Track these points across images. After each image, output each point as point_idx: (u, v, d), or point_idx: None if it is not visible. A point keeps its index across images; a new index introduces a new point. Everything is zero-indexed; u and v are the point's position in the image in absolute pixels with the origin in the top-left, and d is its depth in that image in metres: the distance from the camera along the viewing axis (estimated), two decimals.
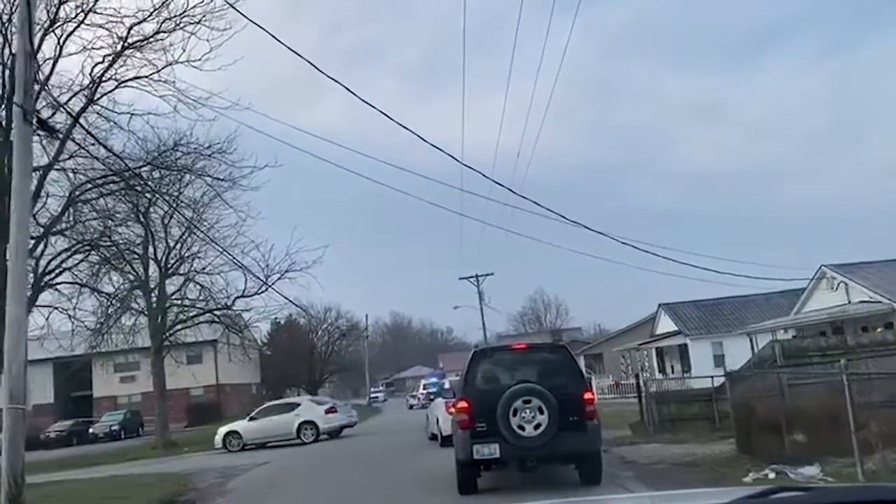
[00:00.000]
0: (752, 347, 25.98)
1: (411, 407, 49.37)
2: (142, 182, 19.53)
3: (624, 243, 17.37)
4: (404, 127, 13.42)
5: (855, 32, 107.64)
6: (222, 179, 22.77)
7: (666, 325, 41.37)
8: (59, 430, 46.39)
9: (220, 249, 27.81)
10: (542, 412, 9.68)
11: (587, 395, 10.28)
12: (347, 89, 12.53)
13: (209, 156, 21.19)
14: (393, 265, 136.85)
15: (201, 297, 31.78)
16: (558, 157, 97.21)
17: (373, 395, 73.89)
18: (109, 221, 23.83)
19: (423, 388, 49.67)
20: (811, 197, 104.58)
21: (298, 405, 26.35)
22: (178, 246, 31.97)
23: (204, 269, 31.81)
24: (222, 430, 26.42)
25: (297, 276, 29.86)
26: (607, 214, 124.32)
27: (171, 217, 29.73)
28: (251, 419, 25.92)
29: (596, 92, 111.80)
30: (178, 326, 31.23)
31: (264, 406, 27.78)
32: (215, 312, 31.18)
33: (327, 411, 25.63)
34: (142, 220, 29.95)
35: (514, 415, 9.71)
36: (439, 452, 15.80)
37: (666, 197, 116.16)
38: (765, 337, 33.16)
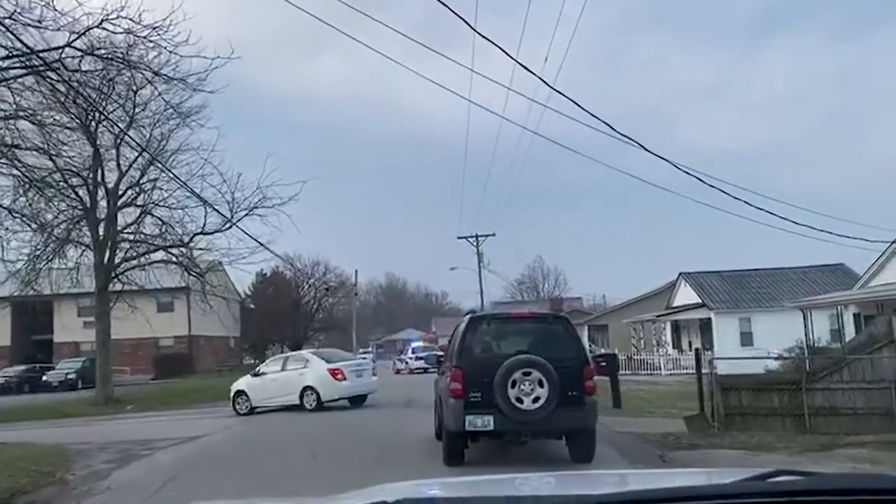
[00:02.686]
0: (807, 324, 21.63)
1: (398, 372, 44.98)
2: (45, 64, 14.80)
3: (687, 173, 12.92)
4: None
5: None
6: (166, 76, 18.05)
7: (686, 296, 37.07)
8: (9, 375, 42.34)
9: (171, 174, 23.27)
10: (541, 385, 9.18)
11: (587, 370, 9.66)
12: None
13: (143, 38, 16.43)
14: (390, 226, 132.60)
15: (161, 233, 27.31)
16: (563, 130, 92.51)
17: (360, 357, 69.70)
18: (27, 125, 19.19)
19: (413, 353, 45.18)
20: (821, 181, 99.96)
21: None
22: (138, 173, 27.41)
23: (164, 200, 27.33)
24: None
25: (267, 214, 25.36)
26: (616, 186, 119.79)
27: (122, 139, 25.16)
28: None
29: (601, 65, 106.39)
30: (127, 265, 26.75)
31: None
32: (170, 251, 26.69)
33: None
34: (90, 136, 25.45)
35: (513, 386, 9.19)
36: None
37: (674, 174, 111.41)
38: (821, 313, 28.89)
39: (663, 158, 12.36)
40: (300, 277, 63.61)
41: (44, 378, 42.02)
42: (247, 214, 25.13)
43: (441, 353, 13.03)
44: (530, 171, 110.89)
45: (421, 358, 43.23)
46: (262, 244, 25.18)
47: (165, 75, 17.82)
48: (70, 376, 41.85)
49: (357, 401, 19.75)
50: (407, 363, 44.08)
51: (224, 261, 27.83)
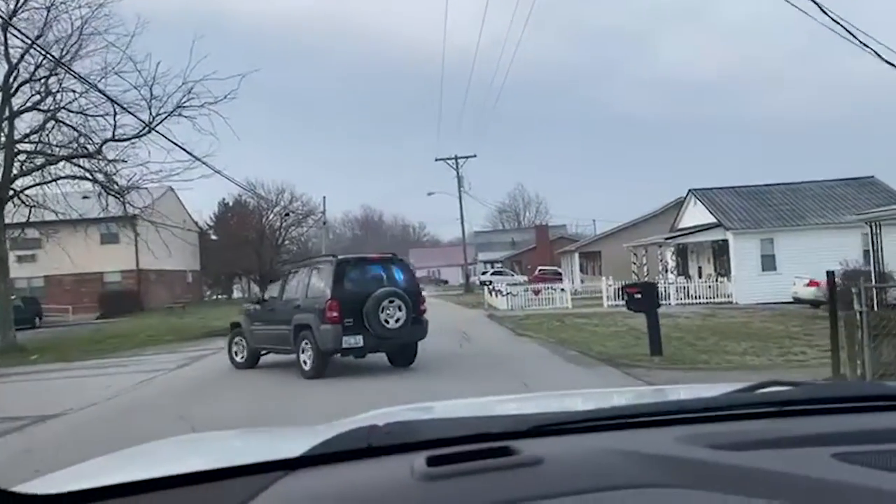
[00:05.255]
0: (873, 242, 17.22)
1: None
2: None
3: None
4: None
5: None
6: None
7: (695, 216, 32.62)
8: None
9: (66, 69, 17.92)
10: (400, 310, 12.07)
11: (420, 298, 12.92)
12: None
13: None
14: (365, 155, 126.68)
15: (70, 142, 22.06)
16: (540, 60, 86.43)
17: None
18: None
19: None
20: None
21: None
22: (41, 71, 21.92)
23: (77, 101, 21.98)
24: None
25: (197, 115, 20.21)
26: (596, 121, 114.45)
27: (6, 24, 19.68)
28: None
29: None
30: (25, 181, 21.56)
31: None
32: (77, 162, 21.46)
33: None
34: None
35: (382, 311, 11.96)
36: None
37: (651, 104, 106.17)
38: (853, 231, 25.06)
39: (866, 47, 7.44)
40: (264, 206, 58.25)
41: None
42: (169, 115, 19.94)
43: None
44: (510, 97, 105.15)
45: None
46: (190, 153, 20.13)
47: None
48: None
49: None
50: None
51: (152, 178, 22.56)
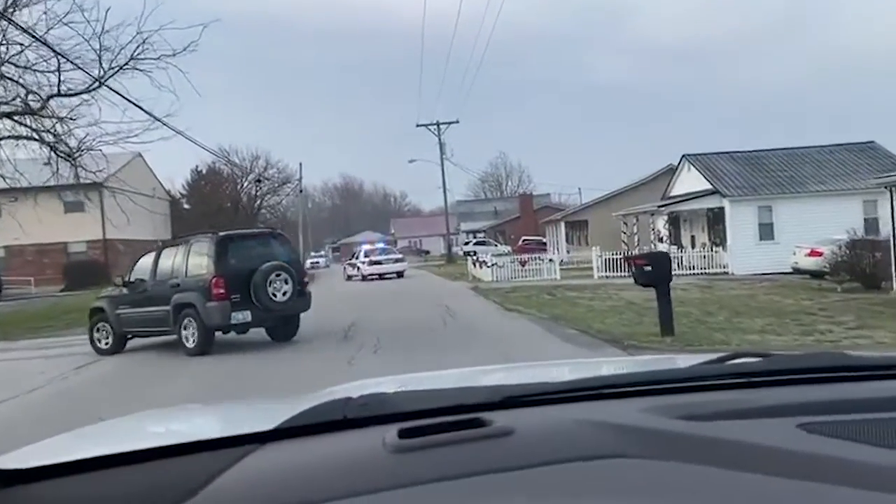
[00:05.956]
0: (893, 208, 15.82)
1: (349, 278, 38.69)
2: None
3: None
4: None
5: None
6: None
7: (688, 183, 31.15)
8: None
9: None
10: (287, 283, 12.33)
11: (302, 272, 13.60)
12: None
13: None
14: (345, 123, 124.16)
15: (12, 100, 20.05)
16: (523, 26, 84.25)
17: (312, 260, 63.14)
18: None
19: (365, 256, 38.60)
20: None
21: None
22: None
23: (21, 53, 19.93)
24: None
25: (152, 69, 18.27)
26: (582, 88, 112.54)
27: None
28: None
29: None
30: None
31: None
32: (18, 120, 19.46)
33: None
34: None
35: (270, 285, 12.17)
36: None
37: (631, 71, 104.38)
38: (854, 198, 24.14)
39: None
40: (238, 173, 56.10)
41: None
42: (122, 68, 17.99)
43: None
44: (492, 66, 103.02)
45: (376, 262, 37.05)
46: (147, 112, 18.24)
47: None
48: None
49: None
50: (358, 268, 37.78)
51: (107, 139, 20.58)
